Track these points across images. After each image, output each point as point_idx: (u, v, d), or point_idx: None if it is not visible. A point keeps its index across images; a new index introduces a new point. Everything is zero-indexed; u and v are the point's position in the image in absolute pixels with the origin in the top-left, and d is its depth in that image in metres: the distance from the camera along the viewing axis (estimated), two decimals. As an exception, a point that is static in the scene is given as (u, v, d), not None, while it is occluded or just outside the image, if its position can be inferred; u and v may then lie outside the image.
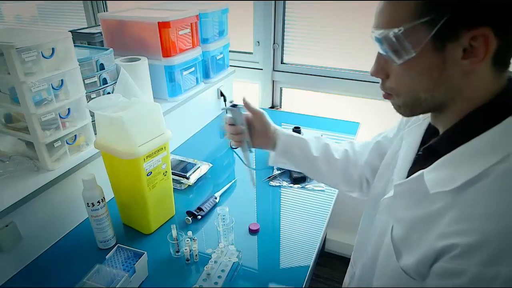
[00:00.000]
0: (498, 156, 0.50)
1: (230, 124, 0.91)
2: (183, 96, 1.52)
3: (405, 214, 0.61)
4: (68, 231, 1.09)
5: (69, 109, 1.04)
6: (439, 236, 0.52)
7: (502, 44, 0.49)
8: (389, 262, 0.63)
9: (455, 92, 0.54)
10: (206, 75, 1.69)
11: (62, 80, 1.01)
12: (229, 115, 0.89)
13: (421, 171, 0.58)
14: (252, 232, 1.08)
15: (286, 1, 1.85)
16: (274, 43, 1.95)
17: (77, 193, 0.97)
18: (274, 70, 2.01)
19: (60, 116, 1.02)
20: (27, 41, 0.90)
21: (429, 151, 0.61)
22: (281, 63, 2.00)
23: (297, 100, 2.11)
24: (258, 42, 1.97)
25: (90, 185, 0.93)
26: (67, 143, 1.06)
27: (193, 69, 1.55)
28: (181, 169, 1.31)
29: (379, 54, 0.57)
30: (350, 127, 1.69)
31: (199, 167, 1.33)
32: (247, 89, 2.14)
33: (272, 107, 2.11)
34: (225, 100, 1.83)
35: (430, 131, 0.66)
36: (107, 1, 2.35)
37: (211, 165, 1.38)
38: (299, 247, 1.04)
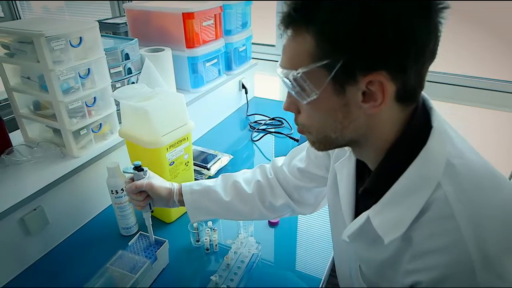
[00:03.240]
0: (431, 186, 0.50)
1: (134, 186, 0.83)
2: (205, 87, 1.53)
3: (369, 257, 0.62)
4: (92, 217, 1.11)
5: (95, 97, 1.06)
6: (404, 274, 0.54)
7: (401, 85, 0.49)
8: None
9: (365, 130, 0.54)
10: (228, 67, 1.69)
11: (89, 69, 1.02)
12: (132, 176, 0.84)
13: (366, 214, 0.58)
14: (272, 224, 1.08)
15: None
16: (297, 35, 1.92)
17: (102, 180, 0.99)
18: (296, 63, 1.99)
19: (86, 105, 1.04)
20: (56, 30, 0.92)
21: (366, 192, 0.61)
22: (304, 56, 1.98)
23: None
24: (281, 35, 1.95)
25: (114, 173, 0.95)
26: (92, 131, 1.08)
27: (215, 60, 1.55)
28: (202, 160, 1.32)
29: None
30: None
31: (219, 158, 1.34)
32: (269, 82, 2.14)
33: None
34: (246, 93, 1.83)
35: (360, 163, 0.64)
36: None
37: (231, 156, 1.38)
38: (318, 241, 1.03)
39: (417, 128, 0.53)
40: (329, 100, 0.51)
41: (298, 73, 0.50)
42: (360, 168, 0.65)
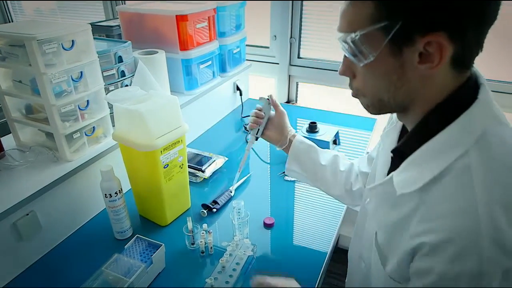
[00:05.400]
0: (457, 153, 0.51)
1: (257, 110, 0.99)
2: (200, 89, 1.52)
3: (385, 219, 0.62)
4: (86, 221, 1.10)
5: (88, 101, 1.05)
6: (411, 236, 0.53)
7: (459, 48, 0.49)
8: (379, 270, 0.64)
9: (415, 94, 0.55)
10: (223, 69, 1.69)
11: (81, 72, 1.02)
12: (259, 104, 1.00)
13: (391, 173, 0.59)
14: (267, 226, 1.08)
15: (304, -5, 1.83)
16: (291, 37, 1.93)
17: (95, 184, 0.98)
18: (290, 64, 2.00)
19: (79, 108, 1.03)
20: (48, 33, 0.91)
21: (397, 153, 0.62)
22: (298, 58, 1.98)
23: (314, 95, 2.09)
24: (275, 36, 1.96)
25: (108, 176, 0.94)
26: (85, 134, 1.07)
27: (209, 62, 1.55)
28: (197, 162, 1.32)
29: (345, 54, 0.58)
30: (366, 123, 1.67)
31: (214, 160, 1.34)
32: (263, 83, 2.14)
33: (288, 101, 2.10)
34: (241, 94, 1.83)
35: (404, 132, 0.66)
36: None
37: (226, 158, 1.38)
38: (313, 242, 1.03)
39: (462, 97, 0.53)
40: (385, 62, 0.53)
41: (357, 36, 0.52)
42: (402, 136, 0.67)
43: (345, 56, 0.58)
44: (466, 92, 0.54)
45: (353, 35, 0.52)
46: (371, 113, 0.62)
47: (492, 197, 0.47)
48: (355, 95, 0.62)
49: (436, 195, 0.51)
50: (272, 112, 1.01)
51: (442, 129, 0.53)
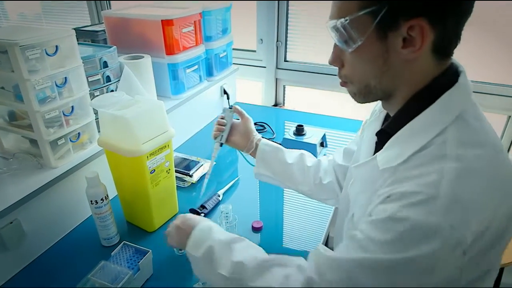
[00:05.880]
0: (436, 130, 0.55)
1: (219, 119, 1.04)
2: (187, 94, 1.52)
3: (363, 197, 0.66)
4: (72, 228, 1.09)
5: (72, 106, 1.04)
6: (379, 196, 0.57)
7: (439, 34, 0.53)
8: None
9: (399, 79, 0.59)
10: (210, 73, 1.69)
11: (65, 78, 1.01)
12: (222, 113, 1.05)
13: (376, 154, 0.63)
14: (255, 229, 1.08)
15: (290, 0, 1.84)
16: (277, 40, 1.94)
17: (81, 190, 0.97)
18: (277, 68, 2.01)
19: (63, 114, 1.02)
20: (31, 38, 0.90)
21: (382, 135, 0.66)
22: (285, 61, 2.00)
23: (301, 98, 2.11)
24: (262, 40, 1.97)
25: (94, 182, 0.93)
26: (70, 140, 1.06)
27: (196, 67, 1.55)
28: (184, 167, 1.31)
29: (335, 44, 0.62)
30: (353, 125, 1.69)
31: (202, 165, 1.33)
32: (251, 87, 2.14)
33: (275, 105, 2.11)
34: (228, 98, 1.83)
35: (387, 121, 0.69)
36: (110, -1, 2.35)
37: (214, 163, 1.37)
38: (302, 244, 1.04)
39: (443, 82, 0.57)
40: (372, 47, 0.56)
41: (346, 20, 0.55)
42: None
43: (335, 45, 0.62)
44: (447, 78, 0.58)
45: (342, 20, 0.56)
46: (357, 101, 0.65)
47: (461, 165, 0.51)
48: (343, 83, 0.65)
49: (410, 165, 0.55)
50: (236, 120, 1.04)
51: (422, 110, 0.57)
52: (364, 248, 0.53)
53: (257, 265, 0.67)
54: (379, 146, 0.66)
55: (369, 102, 0.65)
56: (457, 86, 0.57)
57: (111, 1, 2.35)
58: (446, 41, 0.55)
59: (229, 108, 1.04)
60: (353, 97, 0.66)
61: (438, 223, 0.48)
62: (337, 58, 0.63)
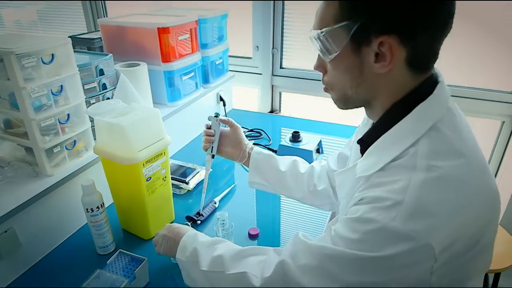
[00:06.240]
0: (410, 141, 0.57)
1: (207, 129, 1.04)
2: (183, 101, 1.53)
3: (345, 202, 0.69)
4: (67, 236, 1.08)
5: (68, 114, 1.04)
6: (354, 199, 0.60)
7: (412, 50, 0.55)
8: None
9: (375, 90, 0.61)
10: (206, 80, 1.69)
11: (61, 86, 1.01)
12: (209, 122, 1.04)
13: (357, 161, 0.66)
14: (252, 237, 1.08)
15: (285, 6, 1.86)
16: (273, 48, 1.95)
17: (76, 198, 0.97)
18: (273, 74, 2.02)
19: (59, 122, 1.02)
20: (27, 47, 0.90)
21: (362, 144, 0.69)
22: (280, 68, 2.01)
23: (297, 104, 2.12)
24: (257, 47, 1.98)
25: (89, 190, 0.93)
26: (66, 148, 1.06)
27: (192, 74, 1.56)
28: (181, 174, 1.31)
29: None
30: (349, 131, 1.69)
31: (198, 172, 1.33)
32: (247, 94, 2.15)
33: (272, 111, 2.11)
34: (224, 105, 1.84)
35: None
36: (106, 7, 2.36)
37: (210, 170, 1.37)
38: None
39: (419, 93, 0.59)
40: (347, 59, 0.59)
41: (323, 32, 0.59)
42: None
43: (319, 53, 0.65)
44: (424, 89, 0.59)
45: (319, 32, 0.59)
46: (339, 107, 0.68)
47: (430, 175, 0.53)
48: (325, 89, 0.68)
49: (383, 173, 0.58)
50: (225, 129, 1.04)
51: (398, 121, 0.60)
52: (334, 243, 0.57)
53: (235, 255, 0.73)
54: (362, 153, 0.69)
55: (350, 108, 0.67)
56: (431, 97, 0.59)
57: (107, 9, 2.36)
58: (420, 56, 0.57)
59: (215, 116, 1.02)
60: (335, 103, 0.68)
61: (400, 229, 0.50)
62: (320, 65, 0.66)
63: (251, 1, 1.89)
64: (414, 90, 0.59)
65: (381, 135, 0.62)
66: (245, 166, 1.05)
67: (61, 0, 2.47)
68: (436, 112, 0.58)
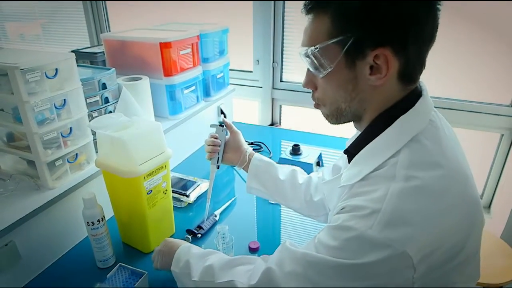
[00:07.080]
0: (391, 152, 0.59)
1: (212, 138, 1.04)
2: (184, 114, 1.54)
3: (331, 213, 0.72)
4: (68, 250, 1.08)
5: (71, 128, 1.05)
6: (337, 208, 0.61)
7: (404, 62, 0.57)
8: None
9: (368, 103, 0.62)
10: (207, 94, 1.71)
11: (64, 100, 1.02)
12: (214, 130, 1.04)
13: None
14: (252, 250, 1.08)
15: (285, 20, 1.89)
16: (273, 61, 1.98)
17: (77, 211, 0.97)
18: (273, 88, 2.04)
19: (62, 135, 1.03)
20: (31, 62, 0.92)
21: (349, 154, 0.71)
22: (281, 81, 2.03)
23: (297, 117, 2.13)
24: (258, 61, 2.00)
25: (90, 203, 0.93)
26: (68, 161, 1.07)
27: (193, 87, 1.57)
28: (181, 187, 1.31)
29: (308, 69, 0.66)
30: (349, 144, 1.70)
31: (199, 185, 1.34)
32: (247, 107, 2.17)
33: (272, 124, 2.13)
34: (225, 117, 1.85)
35: None
36: (110, 22, 2.40)
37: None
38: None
39: (403, 106, 0.61)
40: (341, 73, 0.60)
41: (316, 48, 0.59)
42: None
43: (308, 70, 0.66)
44: (407, 102, 0.61)
45: (313, 48, 0.60)
46: (330, 122, 0.69)
47: (408, 185, 0.54)
48: (316, 105, 0.69)
49: (364, 183, 0.60)
50: (227, 136, 1.05)
51: (381, 132, 0.61)
52: (317, 250, 0.58)
53: (224, 264, 0.74)
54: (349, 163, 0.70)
55: (341, 123, 0.69)
56: (413, 109, 0.60)
57: (110, 24, 2.40)
58: (411, 68, 0.59)
59: (220, 125, 1.02)
60: (326, 118, 0.69)
61: (377, 237, 0.51)
62: (310, 82, 0.67)
63: (252, 16, 1.92)
64: (398, 102, 0.61)
65: (364, 146, 0.64)
66: (244, 177, 1.05)
67: (62, 0, 2.50)
68: (418, 124, 0.59)
